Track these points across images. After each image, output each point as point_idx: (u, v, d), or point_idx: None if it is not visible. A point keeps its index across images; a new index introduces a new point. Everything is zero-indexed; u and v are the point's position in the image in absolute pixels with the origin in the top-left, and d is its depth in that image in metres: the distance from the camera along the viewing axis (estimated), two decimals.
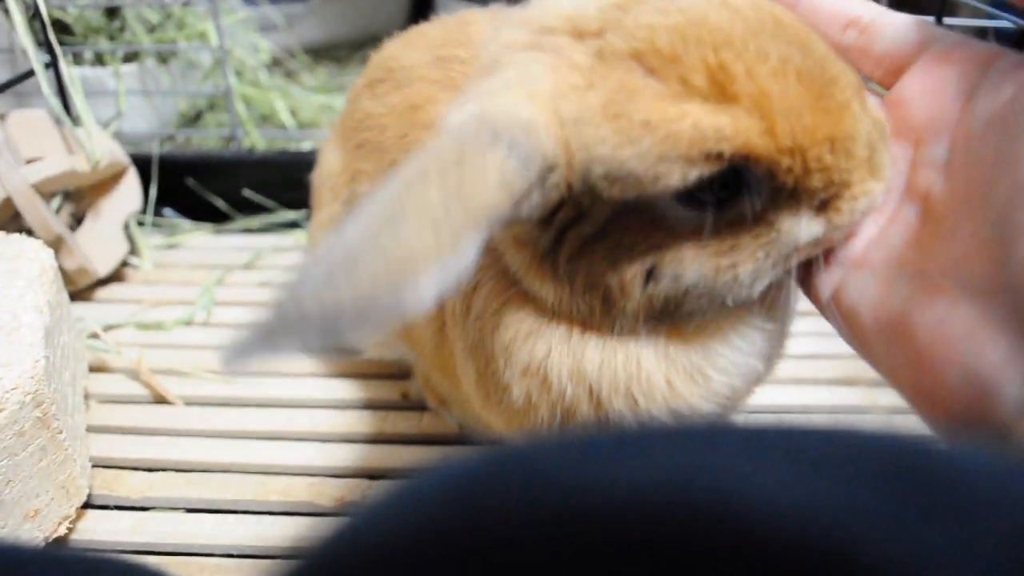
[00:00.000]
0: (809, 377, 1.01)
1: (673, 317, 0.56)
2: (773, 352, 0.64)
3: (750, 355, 0.60)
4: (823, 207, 0.51)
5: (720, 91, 0.46)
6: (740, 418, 0.95)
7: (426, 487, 0.30)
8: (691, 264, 0.51)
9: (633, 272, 0.52)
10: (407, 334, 0.83)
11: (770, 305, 0.60)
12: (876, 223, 0.54)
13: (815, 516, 0.24)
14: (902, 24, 0.55)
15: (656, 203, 0.50)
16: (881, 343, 0.51)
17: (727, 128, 0.45)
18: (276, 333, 0.43)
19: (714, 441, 0.29)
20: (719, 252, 0.51)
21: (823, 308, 0.57)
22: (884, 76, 0.55)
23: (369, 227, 0.43)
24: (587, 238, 0.53)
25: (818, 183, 0.50)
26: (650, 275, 0.52)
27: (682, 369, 0.57)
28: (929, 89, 0.52)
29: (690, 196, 0.49)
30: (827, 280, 0.55)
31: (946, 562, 0.23)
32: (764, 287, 0.55)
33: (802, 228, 0.52)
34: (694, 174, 0.46)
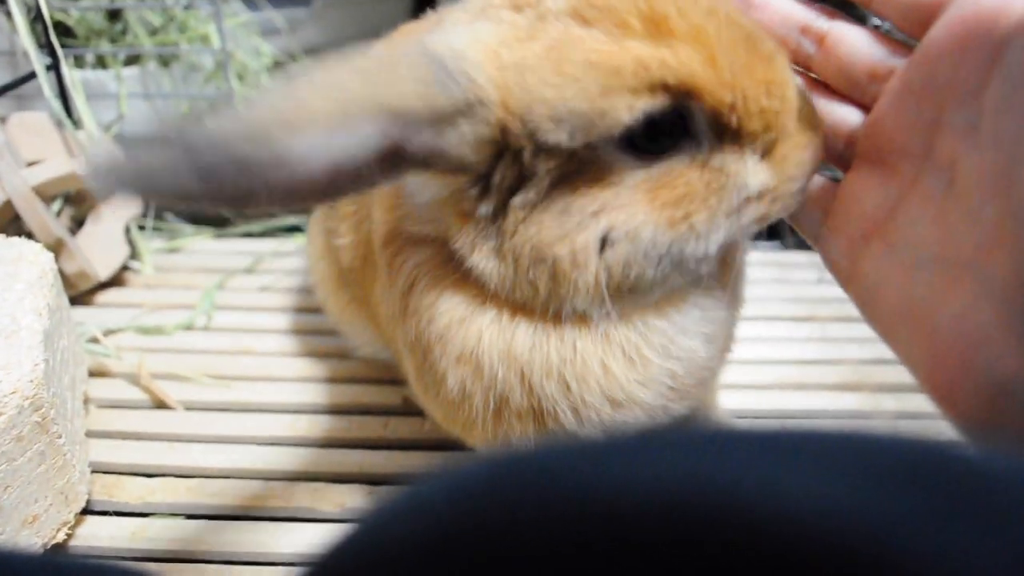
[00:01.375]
0: (813, 382, 1.01)
1: (634, 292, 0.55)
2: (718, 337, 0.63)
3: (692, 336, 0.59)
4: (767, 154, 0.53)
5: (656, 30, 0.48)
6: (745, 423, 0.95)
7: (436, 491, 0.30)
8: (645, 220, 0.51)
9: (586, 238, 0.52)
10: (382, 333, 0.82)
11: (722, 280, 0.60)
12: (891, 190, 0.52)
13: (845, 517, 0.24)
14: None
15: (603, 156, 0.51)
16: (902, 329, 0.50)
17: (670, 59, 0.48)
18: (152, 155, 0.42)
19: (732, 444, 0.29)
20: (671, 203, 0.51)
21: (841, 279, 0.56)
22: (912, 27, 0.51)
23: (277, 95, 0.44)
24: (532, 205, 0.52)
25: (758, 125, 0.51)
26: (605, 241, 0.52)
27: (619, 350, 0.57)
28: (955, 44, 0.47)
29: (636, 144, 0.50)
30: (842, 248, 0.54)
31: (980, 564, 0.22)
32: (720, 243, 0.54)
33: (749, 172, 0.52)
34: (640, 107, 0.48)
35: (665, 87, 0.48)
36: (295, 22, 1.85)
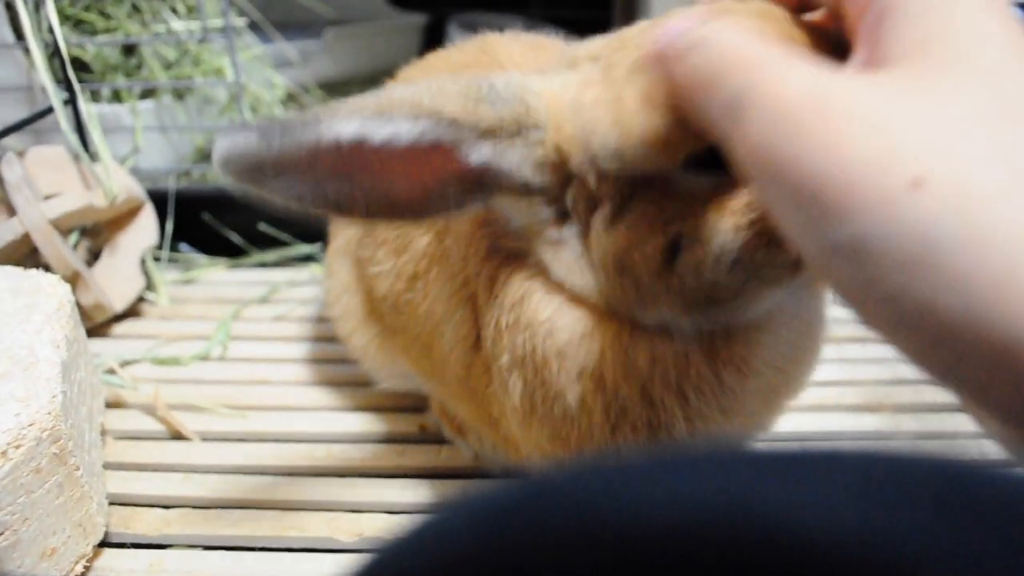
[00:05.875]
0: (832, 403, 1.00)
1: (715, 302, 0.54)
2: (813, 351, 0.65)
3: (795, 348, 0.62)
4: None
5: None
6: (763, 445, 0.94)
7: (457, 518, 0.30)
8: (713, 227, 0.51)
9: (654, 245, 0.53)
10: (420, 360, 0.82)
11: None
12: None
13: (872, 540, 0.23)
14: None
15: (668, 176, 0.51)
16: None
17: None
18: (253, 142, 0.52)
19: (754, 466, 0.28)
20: (738, 209, 0.50)
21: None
22: None
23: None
24: (610, 219, 0.54)
25: None
26: (675, 248, 0.53)
27: (731, 363, 0.58)
28: None
29: (701, 162, 0.50)
30: None
31: None
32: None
33: None
34: (680, 157, 0.49)
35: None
36: (307, 54, 1.88)
